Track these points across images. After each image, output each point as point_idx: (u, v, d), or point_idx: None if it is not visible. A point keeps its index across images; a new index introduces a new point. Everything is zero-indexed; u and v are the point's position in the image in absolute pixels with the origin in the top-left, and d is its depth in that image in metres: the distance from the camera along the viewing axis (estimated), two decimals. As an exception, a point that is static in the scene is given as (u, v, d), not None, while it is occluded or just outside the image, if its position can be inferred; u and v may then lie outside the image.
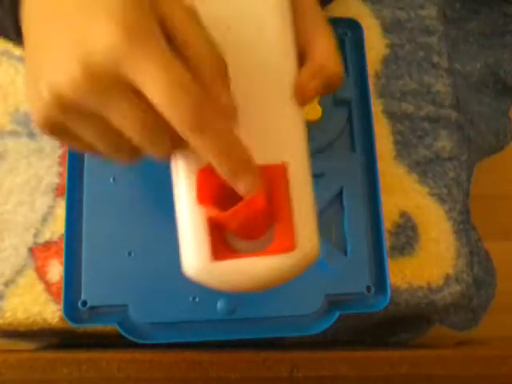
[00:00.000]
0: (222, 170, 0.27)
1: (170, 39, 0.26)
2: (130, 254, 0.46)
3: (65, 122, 0.27)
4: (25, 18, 0.29)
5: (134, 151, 0.29)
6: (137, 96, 0.25)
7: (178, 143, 0.27)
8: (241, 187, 0.28)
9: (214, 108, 0.26)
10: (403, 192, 0.50)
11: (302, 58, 0.34)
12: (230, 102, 0.28)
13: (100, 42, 0.24)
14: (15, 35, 0.33)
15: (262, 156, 0.31)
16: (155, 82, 0.24)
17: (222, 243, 0.32)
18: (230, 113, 0.28)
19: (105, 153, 0.29)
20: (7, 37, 0.37)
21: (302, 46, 0.34)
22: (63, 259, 0.45)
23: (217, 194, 0.30)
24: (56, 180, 0.50)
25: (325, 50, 0.33)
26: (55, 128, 0.28)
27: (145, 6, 0.25)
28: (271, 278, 0.32)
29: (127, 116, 0.26)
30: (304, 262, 0.32)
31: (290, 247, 0.31)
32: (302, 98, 0.32)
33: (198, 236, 0.31)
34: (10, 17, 0.32)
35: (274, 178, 0.31)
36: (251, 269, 0.31)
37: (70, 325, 0.45)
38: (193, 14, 0.27)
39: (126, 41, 0.24)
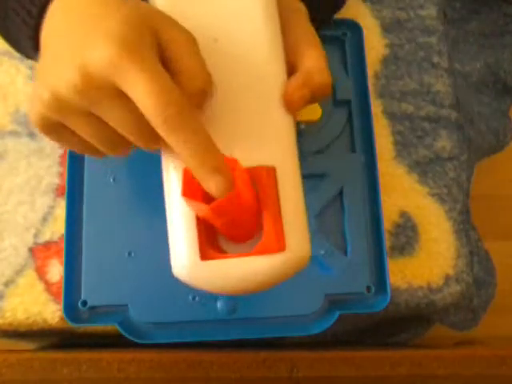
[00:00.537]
0: (194, 170, 0.30)
1: (165, 56, 0.30)
2: (130, 254, 0.46)
3: (60, 120, 0.31)
4: (42, 36, 0.33)
5: (125, 145, 0.32)
6: (126, 99, 0.29)
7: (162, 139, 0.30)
8: (212, 187, 0.30)
9: (192, 115, 0.29)
10: (403, 192, 0.50)
11: (291, 69, 0.35)
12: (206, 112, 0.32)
13: (97, 54, 0.28)
14: (32, 53, 0.37)
15: (252, 159, 0.31)
16: (140, 91, 0.28)
17: (210, 244, 0.32)
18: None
19: (97, 147, 0.32)
20: (24, 53, 0.41)
21: (292, 58, 0.35)
22: (63, 259, 0.46)
23: (202, 192, 0.30)
24: (56, 180, 0.50)
25: (314, 61, 0.35)
26: (50, 127, 0.31)
27: (141, 26, 0.29)
28: (260, 280, 0.32)
29: (116, 115, 0.29)
30: (294, 264, 0.32)
31: (278, 247, 0.31)
32: (290, 106, 0.34)
33: (187, 236, 0.32)
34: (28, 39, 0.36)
35: (262, 180, 0.32)
36: (240, 270, 0.31)
37: (70, 325, 0.45)
38: (185, 33, 0.30)
39: (118, 55, 0.28)
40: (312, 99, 0.34)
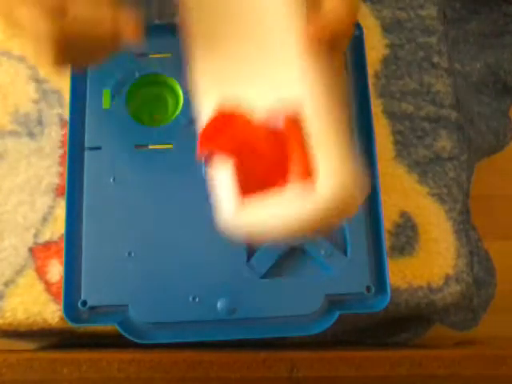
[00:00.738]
0: None
1: None
2: (129, 254, 0.45)
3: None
4: None
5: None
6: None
7: None
8: None
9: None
10: (403, 192, 0.50)
11: (313, 9, 0.35)
12: None
13: None
14: None
15: (276, 94, 0.33)
16: None
17: (249, 186, 0.34)
18: None
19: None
20: None
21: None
22: (63, 259, 0.46)
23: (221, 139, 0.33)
24: (56, 180, 0.50)
25: (335, 2, 0.34)
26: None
27: None
28: (304, 217, 0.32)
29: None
30: (337, 193, 0.32)
31: (307, 176, 0.32)
32: (311, 48, 0.34)
33: (226, 185, 0.34)
34: None
35: (285, 128, 0.33)
36: (281, 208, 0.32)
37: (70, 325, 0.45)
38: None
39: None
40: (334, 40, 0.34)
